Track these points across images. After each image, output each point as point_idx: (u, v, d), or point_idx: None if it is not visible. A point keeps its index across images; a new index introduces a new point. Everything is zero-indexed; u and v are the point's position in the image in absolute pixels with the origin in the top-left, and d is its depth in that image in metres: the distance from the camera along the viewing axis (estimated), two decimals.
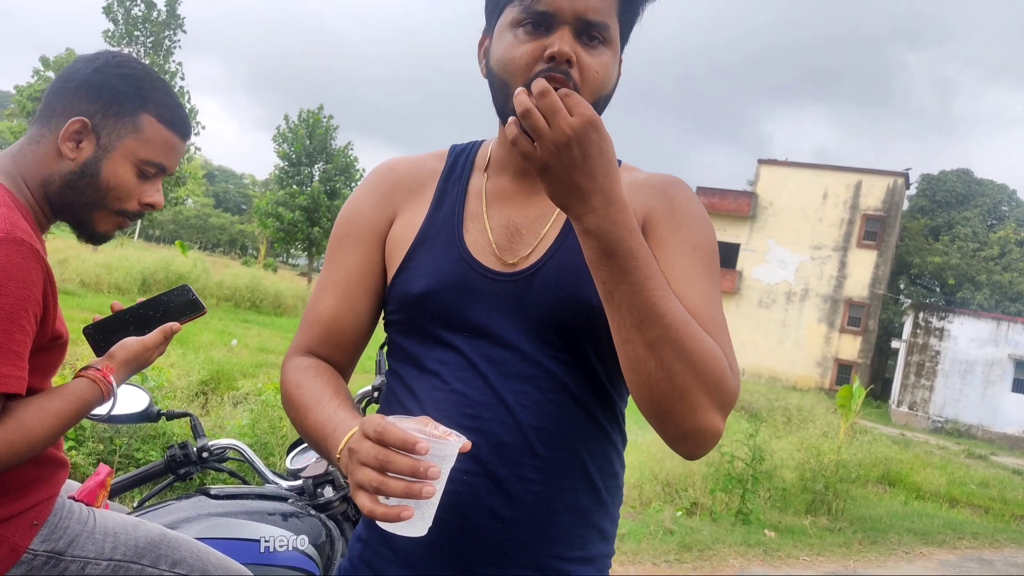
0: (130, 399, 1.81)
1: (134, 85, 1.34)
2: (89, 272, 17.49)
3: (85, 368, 1.35)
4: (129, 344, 1.38)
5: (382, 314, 1.25)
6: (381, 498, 0.86)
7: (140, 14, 27.14)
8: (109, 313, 1.46)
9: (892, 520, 8.36)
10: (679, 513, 6.80)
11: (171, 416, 1.87)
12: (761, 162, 36.58)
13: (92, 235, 1.40)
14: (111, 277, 17.89)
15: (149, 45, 27.51)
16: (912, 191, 43.78)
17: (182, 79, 28.22)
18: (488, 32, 1.17)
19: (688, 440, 1.02)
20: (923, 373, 29.09)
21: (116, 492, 1.79)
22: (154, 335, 1.40)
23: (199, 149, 30.63)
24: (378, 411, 1.25)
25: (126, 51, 26.72)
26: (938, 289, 44.36)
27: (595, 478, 1.15)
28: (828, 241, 34.90)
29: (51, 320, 1.24)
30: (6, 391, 1.15)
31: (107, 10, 26.88)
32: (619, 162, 1.22)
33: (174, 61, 28.08)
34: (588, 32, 1.08)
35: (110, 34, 26.96)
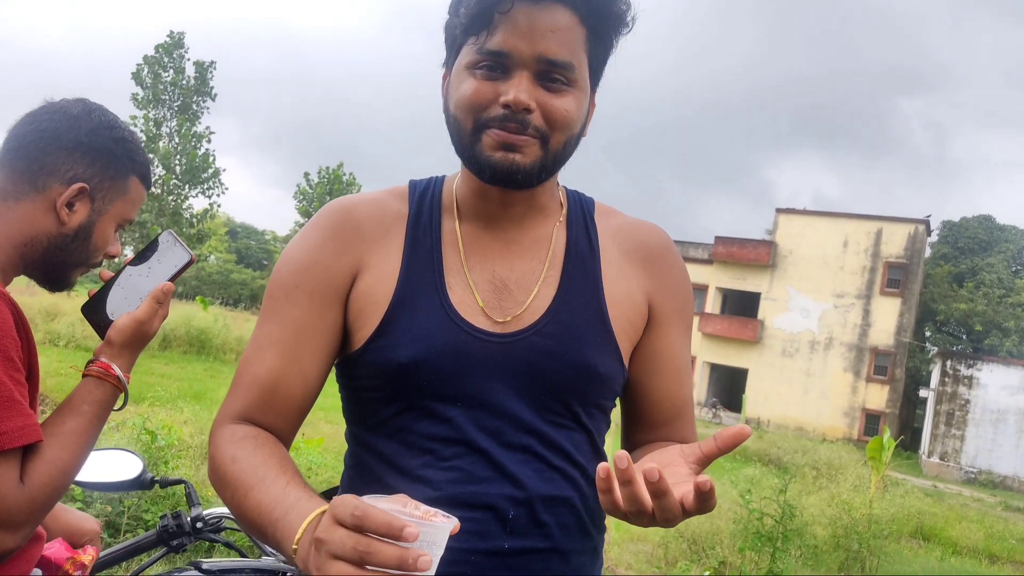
0: (121, 465, 1.72)
1: (126, 148, 1.32)
2: None
3: (87, 366, 1.26)
4: (122, 325, 1.28)
5: (331, 376, 1.14)
6: None
7: (169, 79, 27.73)
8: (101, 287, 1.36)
9: None
10: (707, 574, 6.55)
11: (165, 484, 1.77)
12: (779, 211, 36.52)
13: (62, 287, 1.35)
14: None
15: (176, 109, 28.06)
16: (934, 238, 43.45)
17: (209, 143, 28.67)
18: (448, 66, 1.08)
19: None
20: (953, 422, 28.43)
21: (107, 564, 1.69)
22: (145, 306, 1.30)
23: (220, 207, 30.87)
24: (345, 490, 1.12)
25: (152, 114, 27.37)
26: (965, 336, 43.65)
27: (593, 534, 1.14)
28: (851, 289, 34.56)
29: (29, 356, 1.18)
30: (26, 443, 1.10)
31: (136, 75, 27.51)
32: (592, 201, 1.22)
33: (201, 124, 28.59)
34: (550, 74, 1.00)
35: (138, 98, 27.54)
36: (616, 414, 1.25)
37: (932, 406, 29.68)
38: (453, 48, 1.06)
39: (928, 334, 43.20)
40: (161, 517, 1.73)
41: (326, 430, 10.13)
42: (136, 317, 1.28)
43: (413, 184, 1.18)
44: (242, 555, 1.80)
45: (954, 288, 42.38)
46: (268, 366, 1.06)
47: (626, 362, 1.14)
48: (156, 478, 1.75)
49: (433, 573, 0.75)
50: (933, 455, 28.56)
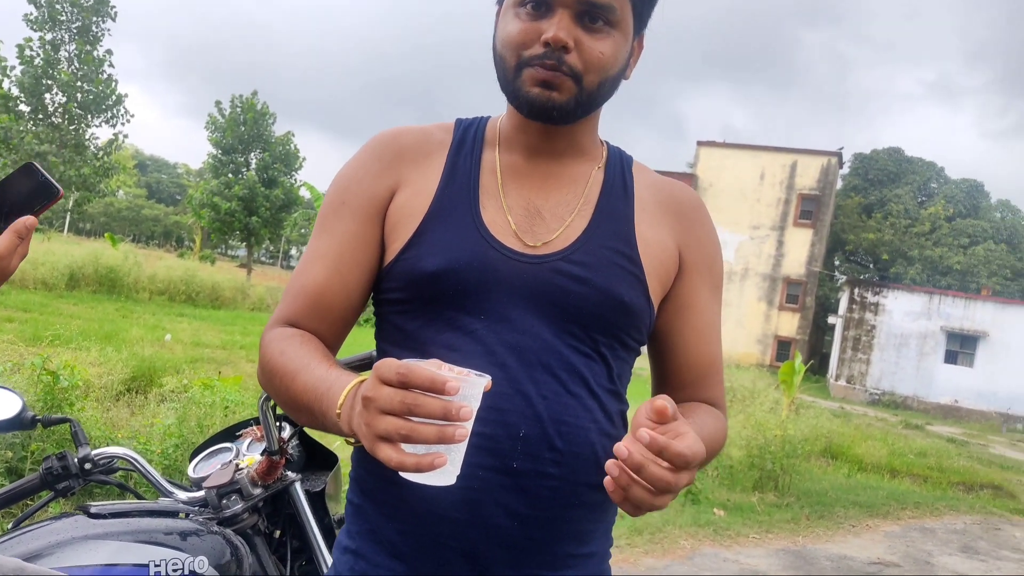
0: None
1: None
2: None
3: None
4: None
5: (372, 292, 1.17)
6: (406, 447, 0.79)
7: None
8: None
9: (837, 494, 8.45)
10: None
11: (48, 423, 1.62)
12: (700, 143, 36.93)
13: None
14: (36, 272, 17.06)
15: (75, 31, 26.22)
16: (845, 170, 44.76)
17: (111, 67, 27.04)
18: (499, 2, 1.13)
19: None
20: (859, 347, 29.82)
21: None
22: (5, 239, 1.08)
23: (127, 136, 29.24)
24: None
25: (48, 37, 25.53)
26: (872, 265, 45.53)
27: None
28: (766, 221, 35.47)
29: None
30: None
31: None
32: (631, 157, 1.26)
33: (101, 47, 26.85)
34: (591, 14, 1.05)
35: (32, 18, 25.59)
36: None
37: (840, 332, 31.03)
38: None
39: (838, 263, 44.89)
40: (44, 459, 1.58)
41: (248, 369, 9.90)
42: None
43: (459, 120, 1.24)
44: (138, 497, 1.68)
45: (863, 219, 43.96)
46: (314, 276, 1.13)
47: (655, 303, 1.16)
48: (38, 417, 1.60)
49: (471, 425, 0.81)
50: (840, 378, 30.00)
